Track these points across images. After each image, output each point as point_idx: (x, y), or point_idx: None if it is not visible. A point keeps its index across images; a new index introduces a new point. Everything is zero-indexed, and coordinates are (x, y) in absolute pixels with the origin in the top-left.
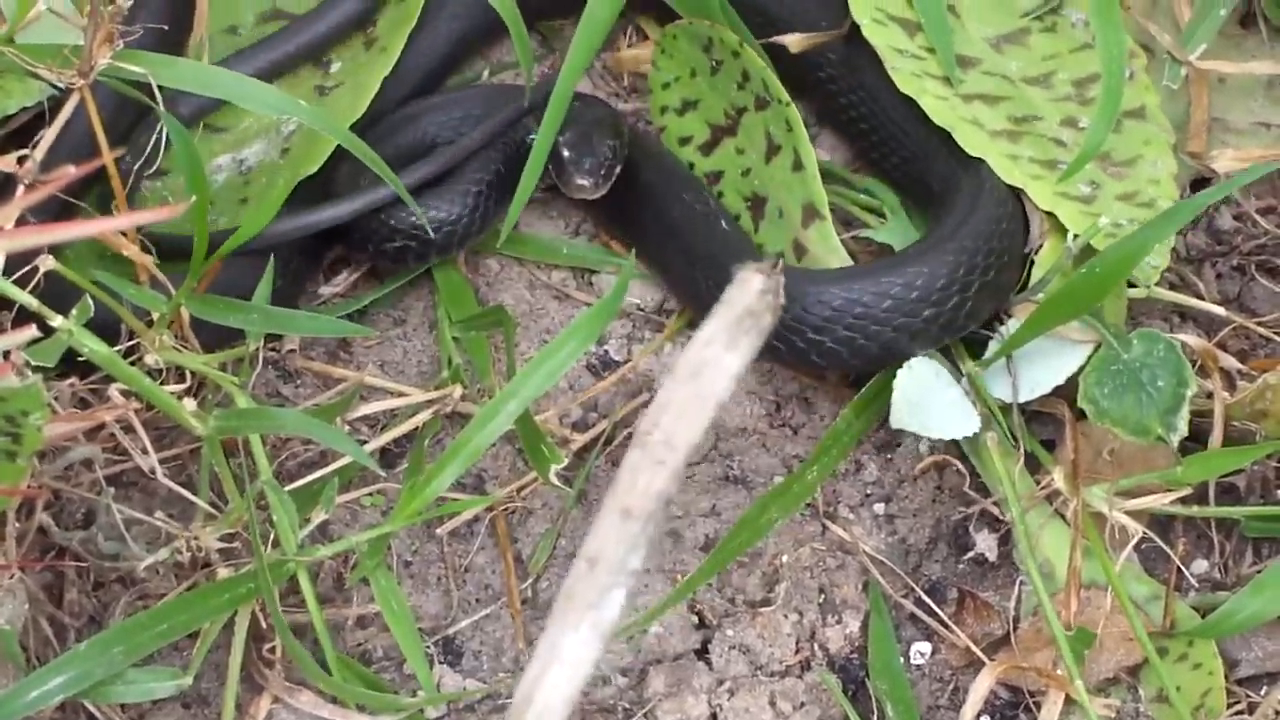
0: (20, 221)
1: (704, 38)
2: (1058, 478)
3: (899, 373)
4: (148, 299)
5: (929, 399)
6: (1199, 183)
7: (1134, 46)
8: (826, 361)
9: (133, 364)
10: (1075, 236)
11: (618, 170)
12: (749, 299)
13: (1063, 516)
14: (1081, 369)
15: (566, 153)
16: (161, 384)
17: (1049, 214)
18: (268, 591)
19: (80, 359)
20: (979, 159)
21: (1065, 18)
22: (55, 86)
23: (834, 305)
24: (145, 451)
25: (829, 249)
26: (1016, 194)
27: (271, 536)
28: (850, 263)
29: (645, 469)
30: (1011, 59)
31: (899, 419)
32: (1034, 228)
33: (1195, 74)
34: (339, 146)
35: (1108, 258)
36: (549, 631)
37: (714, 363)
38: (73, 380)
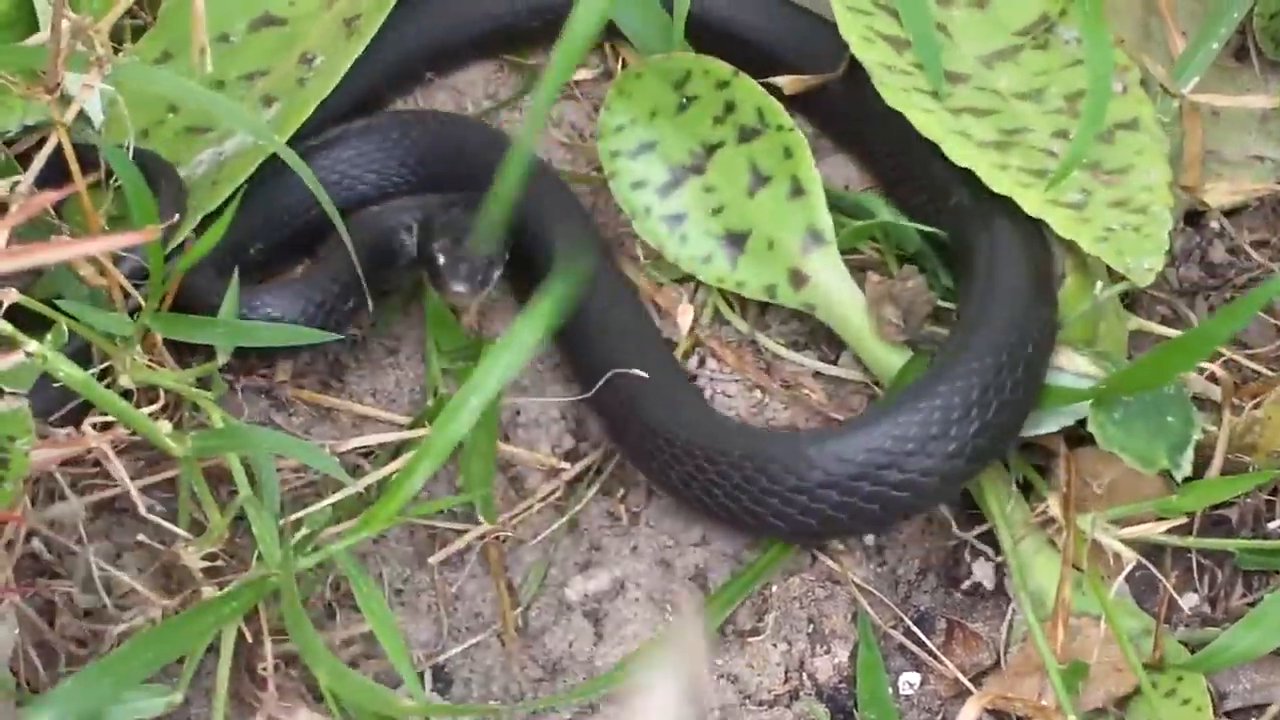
0: None
1: (680, 72)
2: (1052, 505)
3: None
4: (113, 322)
5: None
6: (1192, 215)
7: (1129, 61)
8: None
9: (107, 386)
10: (1104, 286)
11: (497, 273)
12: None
13: (1055, 545)
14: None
15: (442, 259)
16: (136, 405)
17: (1069, 248)
18: (289, 588)
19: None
20: (995, 207)
21: (1058, 36)
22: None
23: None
24: (134, 477)
25: (835, 274)
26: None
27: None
28: (853, 283)
29: None
30: (1002, 75)
31: None
32: (1057, 264)
33: (1188, 107)
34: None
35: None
36: None
37: None
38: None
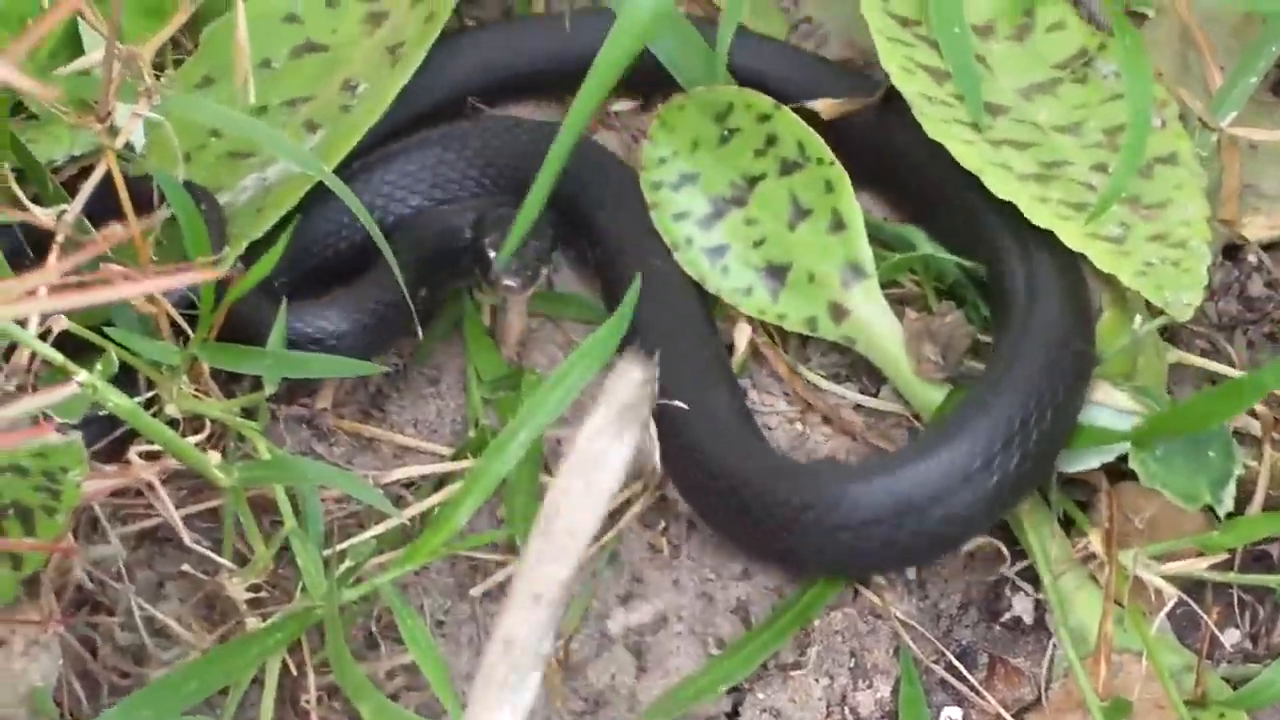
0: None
1: (722, 104)
2: (1094, 540)
3: None
4: (161, 351)
5: None
6: (1230, 249)
7: (1166, 96)
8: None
9: (154, 415)
10: (1142, 321)
11: (545, 270)
12: (628, 391)
13: (1096, 580)
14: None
15: (492, 254)
16: (182, 434)
17: (1107, 282)
18: (334, 621)
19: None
20: (1032, 239)
21: (1096, 70)
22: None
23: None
24: (177, 506)
25: (876, 308)
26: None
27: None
28: (893, 316)
29: (550, 557)
30: (1041, 108)
31: None
32: (1095, 298)
33: (1226, 141)
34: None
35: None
36: (470, 713)
37: (603, 455)
38: None
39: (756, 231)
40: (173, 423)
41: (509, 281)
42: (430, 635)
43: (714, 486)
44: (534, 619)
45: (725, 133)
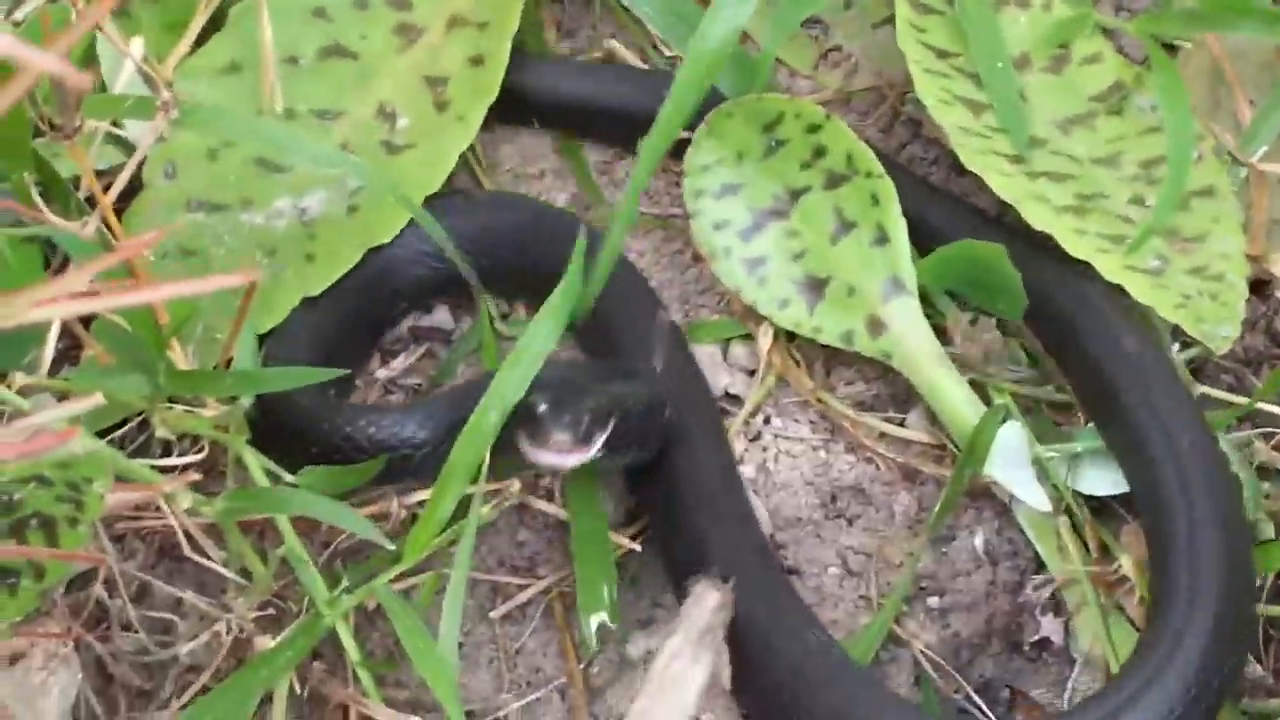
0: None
1: (771, 114)
2: (1125, 565)
3: (1004, 427)
4: (129, 385)
5: (1018, 460)
6: (1258, 285)
7: (1203, 130)
8: None
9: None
10: (1181, 347)
11: (599, 437)
12: (706, 616)
13: (1122, 609)
14: None
15: (542, 408)
16: (180, 454)
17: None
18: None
19: None
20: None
21: (1132, 103)
22: None
23: None
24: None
25: (914, 324)
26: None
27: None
28: (932, 334)
29: None
30: (1078, 140)
31: (993, 465)
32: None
33: (1255, 175)
34: None
35: None
36: None
37: (682, 677)
38: None
39: (798, 244)
40: (166, 444)
41: (560, 437)
42: (428, 634)
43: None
44: None
45: (772, 143)
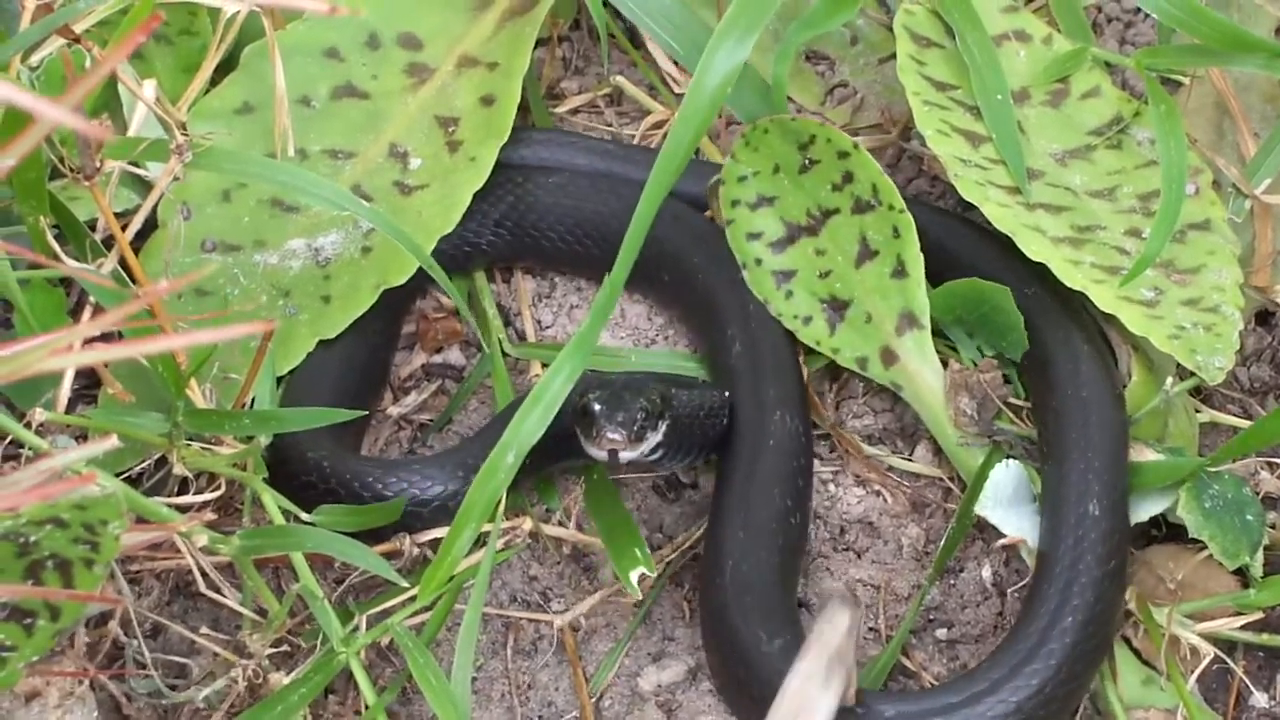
0: None
1: (805, 134)
2: (1129, 598)
3: (996, 468)
4: (148, 424)
5: (1014, 499)
6: (1264, 315)
7: (1200, 164)
8: None
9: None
10: (1173, 383)
11: (651, 436)
12: (839, 638)
13: (1128, 642)
14: (1170, 508)
15: (597, 407)
16: (196, 491)
17: (1135, 346)
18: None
19: None
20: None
21: (1131, 136)
22: None
23: None
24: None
25: (924, 360)
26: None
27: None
28: (941, 370)
29: None
30: (1076, 173)
31: (984, 506)
32: (1122, 361)
33: (1260, 208)
34: None
35: None
36: None
37: (812, 702)
38: None
39: (824, 263)
40: (183, 481)
41: (613, 435)
42: (440, 671)
43: None
44: None
45: (806, 161)
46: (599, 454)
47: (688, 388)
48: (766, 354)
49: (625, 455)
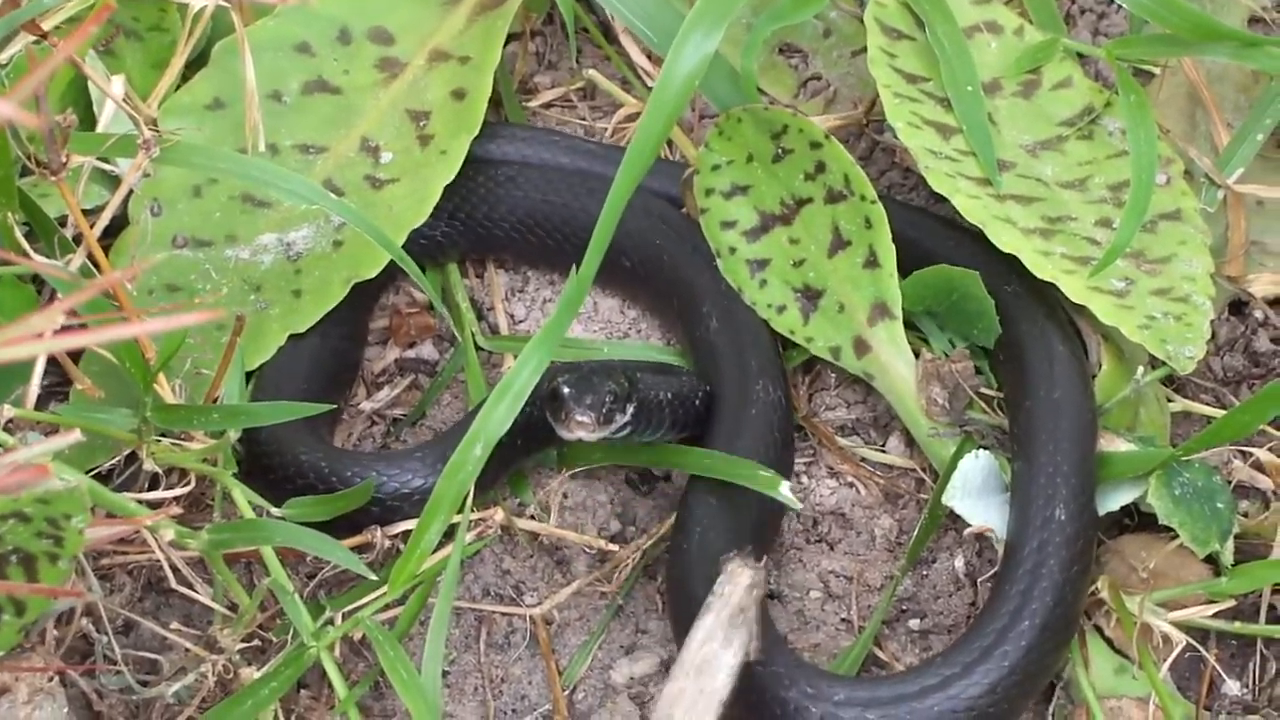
0: None
1: (778, 124)
2: (1101, 587)
3: (965, 459)
4: (117, 420)
5: (983, 489)
6: (1236, 305)
7: (1172, 154)
8: None
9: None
10: (1144, 372)
11: (619, 418)
12: (739, 595)
13: (1100, 630)
14: (1141, 497)
15: (566, 390)
16: (167, 487)
17: (1106, 335)
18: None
19: None
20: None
21: (1102, 127)
22: None
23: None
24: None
25: (896, 350)
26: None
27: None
28: (913, 361)
29: None
30: (1047, 164)
31: (952, 497)
32: (1091, 350)
33: (1233, 197)
34: None
35: None
36: None
37: (714, 659)
38: None
39: (798, 252)
40: (154, 477)
41: (581, 417)
42: (411, 665)
43: None
44: None
45: (779, 151)
46: (568, 435)
47: (663, 373)
48: (743, 327)
49: (592, 437)
